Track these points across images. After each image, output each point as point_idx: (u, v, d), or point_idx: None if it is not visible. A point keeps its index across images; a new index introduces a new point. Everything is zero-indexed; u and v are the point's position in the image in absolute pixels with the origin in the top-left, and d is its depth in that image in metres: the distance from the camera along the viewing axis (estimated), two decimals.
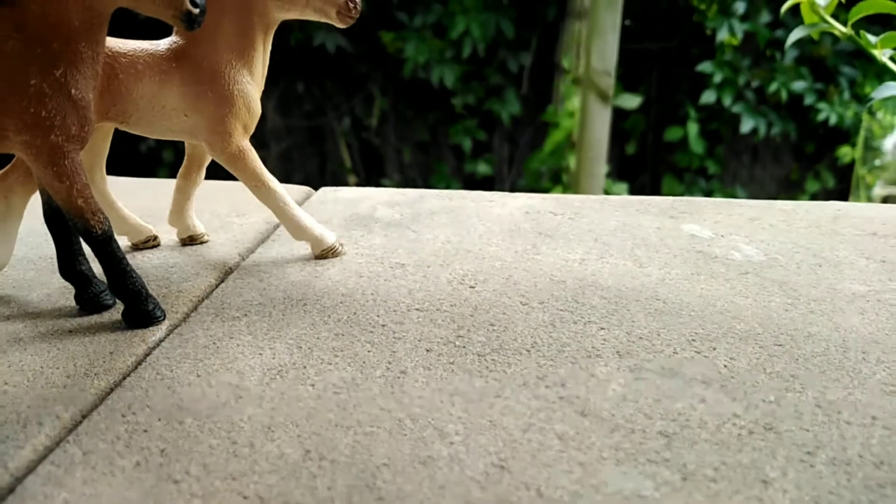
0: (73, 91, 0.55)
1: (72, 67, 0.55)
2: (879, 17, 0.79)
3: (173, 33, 0.69)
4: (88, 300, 0.63)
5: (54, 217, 0.62)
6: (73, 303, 0.66)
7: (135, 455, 0.44)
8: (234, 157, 0.70)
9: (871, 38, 0.90)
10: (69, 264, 0.63)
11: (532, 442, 0.45)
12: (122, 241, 0.82)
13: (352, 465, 0.43)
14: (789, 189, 2.82)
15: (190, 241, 0.83)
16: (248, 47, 0.69)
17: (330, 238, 0.77)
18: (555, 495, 0.40)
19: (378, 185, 2.72)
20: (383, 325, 0.61)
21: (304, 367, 0.54)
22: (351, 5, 0.69)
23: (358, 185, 2.62)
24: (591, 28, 2.41)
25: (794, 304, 0.65)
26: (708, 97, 2.55)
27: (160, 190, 1.09)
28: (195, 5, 0.55)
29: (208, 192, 1.07)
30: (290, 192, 1.06)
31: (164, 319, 0.62)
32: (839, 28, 0.99)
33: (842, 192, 2.72)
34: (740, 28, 2.46)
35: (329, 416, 0.48)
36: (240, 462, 0.43)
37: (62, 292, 0.68)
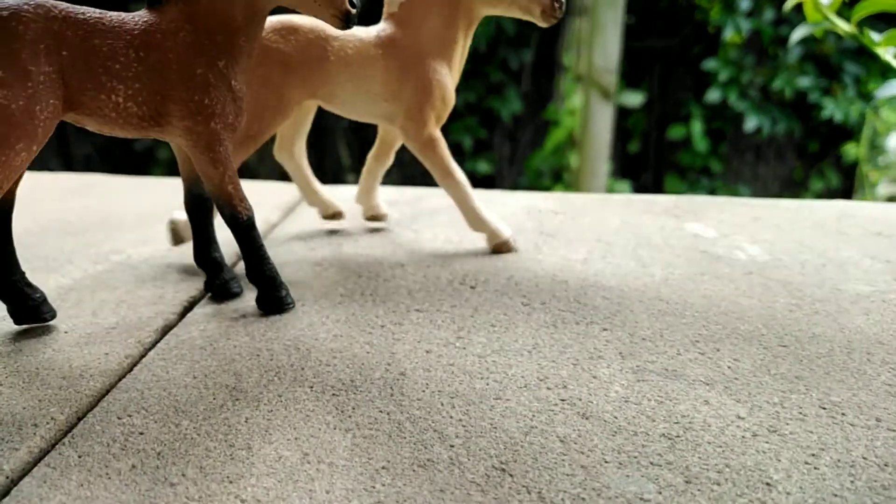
0: (232, 82, 0.58)
1: (232, 60, 0.58)
2: (883, 14, 0.79)
3: (382, 21, 0.72)
4: (218, 287, 0.66)
5: (195, 205, 0.64)
6: (68, 304, 0.65)
7: (131, 457, 0.44)
8: (425, 145, 0.73)
9: (875, 36, 0.89)
10: (204, 252, 0.66)
11: (533, 444, 0.44)
12: (312, 213, 0.88)
13: (350, 467, 0.42)
14: (793, 188, 2.81)
15: (373, 219, 0.87)
16: (450, 40, 0.72)
17: (506, 232, 0.78)
18: (556, 499, 0.40)
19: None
20: (382, 326, 0.61)
21: (302, 369, 0.54)
22: (556, 5, 0.71)
23: (357, 184, 2.60)
24: (592, 25, 2.41)
25: (798, 305, 0.65)
26: (713, 95, 2.54)
27: (155, 188, 1.08)
28: (353, 6, 0.58)
29: None
30: (288, 192, 1.06)
31: (293, 307, 0.64)
32: (843, 26, 0.98)
33: (846, 190, 2.71)
34: (745, 26, 2.45)
35: (327, 418, 0.47)
36: (237, 465, 0.43)
37: (58, 293, 0.68)
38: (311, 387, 0.51)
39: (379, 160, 0.84)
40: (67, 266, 0.75)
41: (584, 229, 0.88)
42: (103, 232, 0.86)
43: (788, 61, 2.53)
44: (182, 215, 0.75)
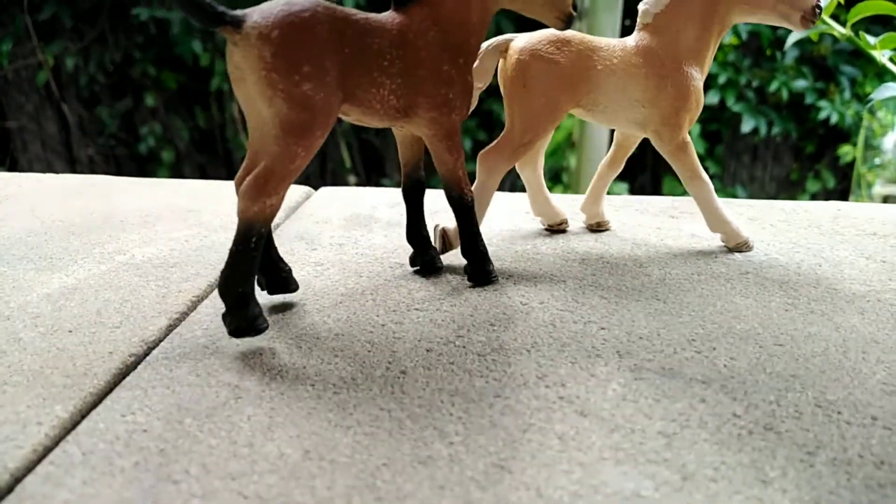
0: (468, 77, 0.63)
1: (468, 57, 0.63)
2: (879, 17, 0.80)
3: (636, 32, 0.75)
4: (424, 262, 0.72)
5: (412, 188, 0.71)
6: (73, 303, 0.66)
7: (134, 455, 0.44)
8: (678, 148, 0.75)
9: (871, 39, 0.90)
10: (415, 230, 0.72)
11: (532, 442, 0.45)
12: (535, 225, 0.91)
13: (351, 464, 0.43)
14: (790, 189, 2.82)
15: (597, 227, 0.88)
16: (703, 47, 0.74)
17: (744, 233, 0.80)
18: (554, 495, 0.40)
19: (378, 185, 2.73)
20: (383, 325, 0.61)
21: (304, 367, 0.54)
22: (817, 10, 0.72)
23: (358, 185, 2.62)
24: (590, 28, 2.41)
25: (794, 304, 0.65)
26: (711, 97, 2.54)
27: (159, 189, 1.09)
28: (575, 8, 0.65)
29: (208, 191, 1.07)
30: (289, 193, 1.06)
31: (498, 281, 0.70)
32: (838, 29, 0.99)
33: (842, 191, 2.72)
34: (744, 28, 2.46)
35: (329, 415, 0.48)
36: (239, 462, 0.43)
37: (62, 293, 0.68)
38: (313, 385, 0.52)
39: (612, 167, 0.86)
40: (72, 266, 0.76)
41: (582, 232, 0.89)
42: (107, 232, 0.87)
43: (785, 63, 2.53)
44: (451, 224, 0.77)
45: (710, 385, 0.52)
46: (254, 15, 0.53)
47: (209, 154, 2.95)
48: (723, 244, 0.81)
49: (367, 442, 0.45)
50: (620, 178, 2.88)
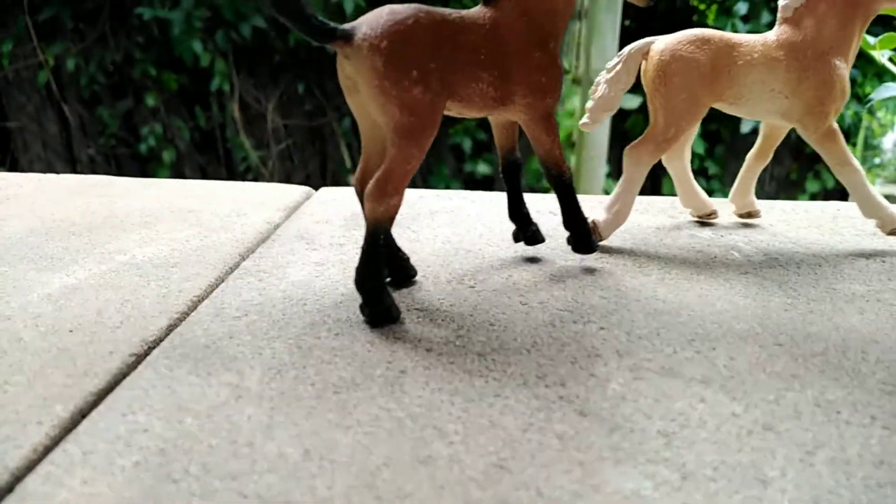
0: (558, 62, 0.65)
1: (556, 43, 0.66)
2: (879, 17, 0.80)
3: (777, 26, 0.78)
4: (527, 237, 0.76)
5: (510, 169, 0.75)
6: (73, 303, 0.66)
7: (134, 454, 0.44)
8: (825, 136, 0.78)
9: (871, 39, 0.90)
10: (516, 208, 0.76)
11: (532, 441, 0.45)
12: (684, 217, 0.91)
13: (351, 464, 0.43)
14: (789, 189, 2.82)
15: (748, 216, 0.90)
16: (847, 38, 0.76)
17: None
18: (554, 495, 0.40)
19: None
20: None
21: (304, 367, 0.54)
22: None
23: None
24: (590, 28, 2.41)
25: (793, 304, 0.65)
26: None
27: (161, 190, 1.09)
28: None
29: (208, 191, 1.07)
30: (290, 193, 1.06)
31: (597, 249, 0.76)
32: None
33: (842, 191, 2.72)
34: (742, 29, 2.46)
35: (329, 415, 0.48)
36: (239, 461, 0.43)
37: (63, 292, 0.69)
38: (313, 384, 0.52)
39: (760, 159, 0.89)
40: (72, 266, 0.76)
41: None
42: (108, 232, 0.87)
43: None
44: (599, 216, 0.81)
45: (710, 385, 0.52)
46: (362, 27, 0.56)
47: (210, 154, 2.95)
48: (877, 230, 0.83)
49: (367, 442, 0.45)
50: (620, 178, 2.89)
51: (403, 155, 0.57)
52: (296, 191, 1.08)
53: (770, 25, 0.81)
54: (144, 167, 2.82)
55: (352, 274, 0.73)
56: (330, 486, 0.41)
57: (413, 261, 0.77)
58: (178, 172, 2.85)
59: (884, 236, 0.84)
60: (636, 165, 0.79)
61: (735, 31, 2.47)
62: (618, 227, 0.81)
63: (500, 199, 1.03)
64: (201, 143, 2.93)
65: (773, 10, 2.32)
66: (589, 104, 0.81)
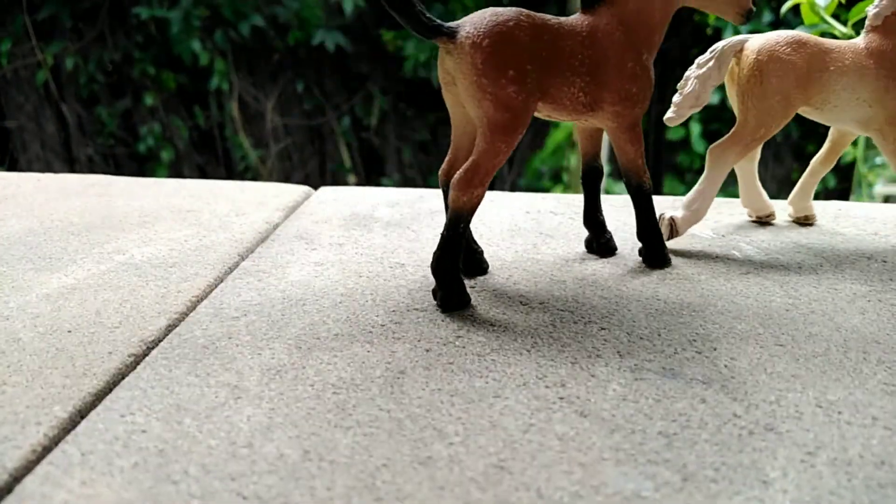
0: (650, 72, 0.67)
1: (650, 53, 0.67)
2: None
3: (864, 34, 0.78)
4: (600, 245, 0.78)
5: (590, 176, 0.77)
6: (72, 303, 0.66)
7: (133, 455, 0.44)
8: None
9: None
10: (592, 215, 0.77)
11: (532, 442, 0.45)
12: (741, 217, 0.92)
13: (351, 465, 0.43)
14: (790, 189, 2.81)
15: (804, 220, 0.91)
16: None
17: None
18: (555, 496, 0.40)
19: (378, 184, 2.74)
20: (382, 325, 0.61)
21: (303, 368, 0.54)
22: None
23: (358, 184, 2.63)
24: None
25: (794, 304, 0.65)
26: (712, 97, 2.55)
27: (159, 190, 1.09)
28: (753, 3, 0.69)
29: (207, 191, 1.07)
30: (289, 192, 1.06)
31: (670, 264, 0.75)
32: (839, 28, 0.98)
33: (843, 191, 2.72)
34: (744, 29, 2.46)
35: (328, 416, 0.48)
36: (238, 462, 0.43)
37: (61, 293, 0.68)
38: (312, 385, 0.52)
39: (825, 164, 0.89)
40: (71, 266, 0.75)
41: (583, 230, 0.89)
42: (106, 232, 0.87)
43: None
44: (677, 213, 0.81)
45: (711, 385, 0.52)
46: (466, 26, 0.59)
47: (208, 154, 2.95)
48: (878, 230, 0.83)
49: (367, 442, 0.45)
50: (621, 177, 2.89)
51: (492, 149, 0.60)
52: (295, 190, 1.08)
53: (771, 25, 0.81)
54: (143, 167, 2.81)
55: (351, 274, 0.73)
56: (329, 486, 0.41)
57: (413, 261, 0.77)
58: (176, 172, 2.85)
59: (885, 236, 0.84)
60: (720, 164, 0.78)
61: (736, 30, 2.47)
62: (695, 224, 0.81)
63: (499, 199, 1.03)
64: (200, 142, 2.93)
65: (774, 10, 2.32)
66: (676, 98, 0.81)
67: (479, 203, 0.62)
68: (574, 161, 2.51)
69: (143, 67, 2.73)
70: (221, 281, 0.73)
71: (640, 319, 0.62)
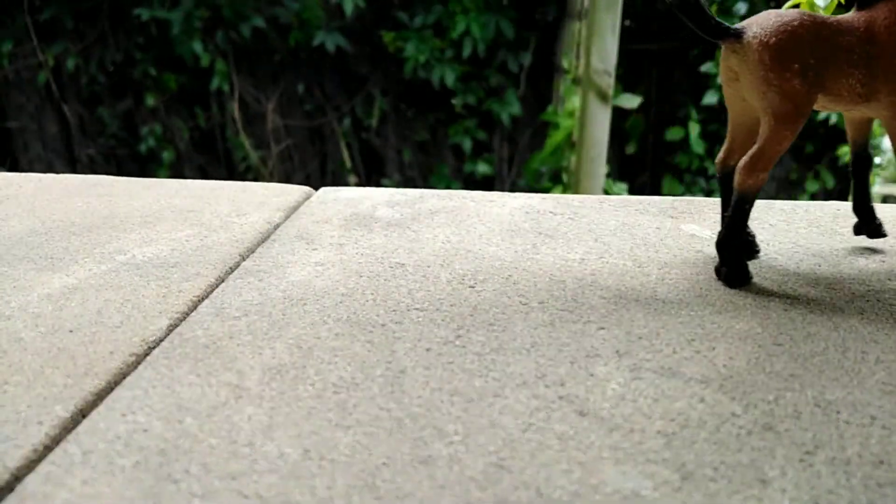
0: None
1: None
2: None
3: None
4: (870, 230, 0.80)
5: (861, 164, 0.79)
6: (73, 303, 0.66)
7: (134, 454, 0.44)
8: None
9: None
10: (862, 202, 0.79)
11: (531, 441, 0.45)
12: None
13: (351, 464, 0.43)
14: (789, 189, 2.82)
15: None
16: None
17: None
18: (554, 495, 0.40)
19: (378, 185, 2.74)
20: (383, 325, 0.61)
21: (304, 367, 0.54)
22: None
23: (358, 185, 2.63)
24: (590, 28, 2.41)
25: (792, 304, 0.65)
26: (711, 97, 2.55)
27: (160, 190, 1.09)
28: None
29: (208, 191, 1.07)
30: (290, 193, 1.06)
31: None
32: None
33: (842, 191, 2.72)
34: None
35: (328, 415, 0.48)
36: (239, 461, 0.43)
37: (63, 292, 0.69)
38: (313, 384, 0.52)
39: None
40: (72, 266, 0.76)
41: (582, 230, 0.89)
42: (108, 232, 0.87)
43: None
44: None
45: (709, 384, 0.52)
46: (752, 27, 0.66)
47: (209, 154, 2.95)
48: None
49: (367, 442, 0.45)
50: (620, 178, 2.88)
51: (777, 137, 0.65)
52: (296, 191, 1.08)
53: None
54: (144, 167, 2.82)
55: (352, 274, 0.74)
56: (330, 486, 0.41)
57: (413, 261, 0.77)
58: (177, 172, 2.85)
59: (884, 235, 0.84)
60: None
61: None
62: None
63: (500, 199, 1.03)
64: (201, 143, 2.93)
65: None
66: None
67: (762, 185, 0.67)
68: (573, 162, 2.51)
69: (144, 68, 2.74)
70: (222, 281, 0.73)
71: (638, 319, 0.62)
